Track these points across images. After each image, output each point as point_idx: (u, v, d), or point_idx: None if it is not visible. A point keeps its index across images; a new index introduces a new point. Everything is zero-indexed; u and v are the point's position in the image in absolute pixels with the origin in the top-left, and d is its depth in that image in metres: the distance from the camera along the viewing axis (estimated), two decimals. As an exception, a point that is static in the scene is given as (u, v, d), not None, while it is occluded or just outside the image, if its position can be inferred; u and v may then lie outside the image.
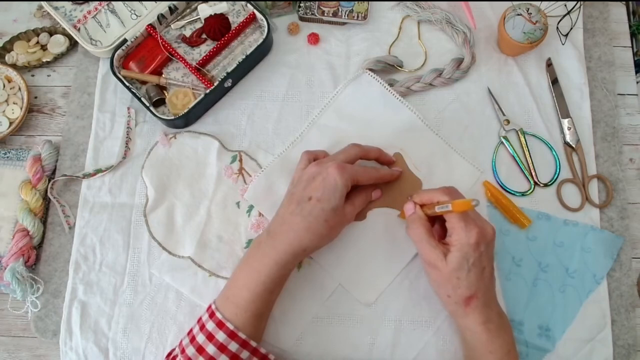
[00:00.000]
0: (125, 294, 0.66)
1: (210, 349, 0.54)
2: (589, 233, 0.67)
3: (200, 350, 0.54)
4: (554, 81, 0.72)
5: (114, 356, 0.64)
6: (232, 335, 0.55)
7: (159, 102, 0.71)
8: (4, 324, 0.68)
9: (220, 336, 0.54)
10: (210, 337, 0.55)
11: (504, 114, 0.71)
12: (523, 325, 0.64)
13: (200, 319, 0.58)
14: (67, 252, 0.68)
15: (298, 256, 0.58)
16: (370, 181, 0.62)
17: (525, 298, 0.65)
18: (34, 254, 0.67)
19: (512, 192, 0.68)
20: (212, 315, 0.56)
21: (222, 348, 0.54)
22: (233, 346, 0.54)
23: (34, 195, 0.67)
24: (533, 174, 0.69)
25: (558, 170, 0.69)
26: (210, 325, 0.55)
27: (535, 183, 0.69)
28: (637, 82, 0.75)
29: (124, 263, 0.67)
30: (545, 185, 0.69)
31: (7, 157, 0.72)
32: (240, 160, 0.71)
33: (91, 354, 0.64)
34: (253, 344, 0.55)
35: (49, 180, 0.69)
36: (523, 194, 0.68)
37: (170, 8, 0.73)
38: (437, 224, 0.60)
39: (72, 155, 0.72)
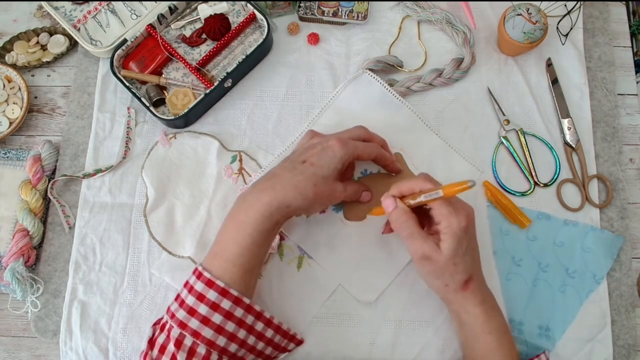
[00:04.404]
0: (125, 294, 0.66)
1: (202, 309, 0.53)
2: (589, 233, 0.67)
3: (191, 312, 0.53)
4: (554, 81, 0.72)
5: (114, 356, 0.64)
6: (223, 292, 0.53)
7: (159, 102, 0.71)
8: (4, 324, 0.68)
9: (212, 295, 0.53)
10: (200, 297, 0.53)
11: (504, 114, 0.71)
12: (523, 325, 0.64)
13: (187, 282, 0.56)
14: (67, 252, 0.68)
15: (282, 211, 0.56)
16: (371, 157, 0.62)
17: (525, 298, 0.65)
18: (34, 254, 0.67)
19: (512, 192, 0.68)
20: (199, 276, 0.55)
21: (214, 307, 0.53)
22: (226, 304, 0.53)
23: (34, 195, 0.67)
24: (533, 174, 0.69)
25: (558, 170, 0.69)
26: (199, 286, 0.54)
27: (535, 183, 0.69)
28: (637, 82, 0.75)
29: (124, 263, 0.67)
30: (545, 185, 0.69)
31: (7, 157, 0.72)
32: (240, 160, 0.71)
33: (91, 354, 0.64)
34: (246, 300, 0.54)
35: (49, 180, 0.69)
36: (523, 194, 0.68)
37: (170, 8, 0.73)
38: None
39: (72, 155, 0.72)
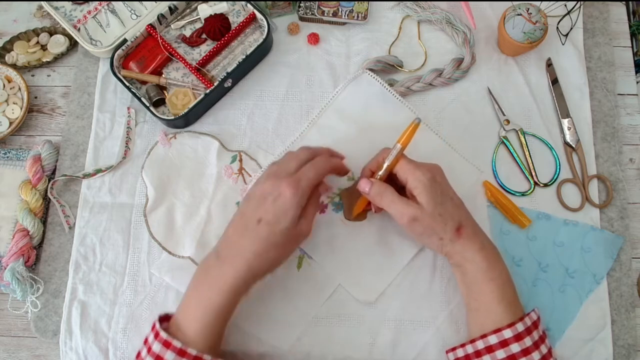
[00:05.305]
0: (125, 294, 0.66)
1: None
2: (589, 233, 0.67)
3: None
4: (554, 81, 0.72)
5: (114, 356, 0.64)
6: (181, 353, 0.51)
7: (159, 102, 0.71)
8: (4, 324, 0.68)
9: (169, 356, 0.51)
10: (158, 359, 0.51)
11: (504, 114, 0.71)
12: (523, 325, 0.64)
13: (146, 340, 0.54)
14: (67, 252, 0.68)
15: (249, 282, 0.55)
16: (325, 174, 0.59)
17: (526, 298, 0.65)
18: (34, 254, 0.67)
19: (512, 192, 0.68)
20: (156, 335, 0.52)
21: None
22: None
23: (34, 195, 0.67)
24: (533, 174, 0.69)
25: (558, 170, 0.69)
26: (156, 347, 0.51)
27: (535, 183, 0.69)
28: (637, 82, 0.75)
29: (124, 263, 0.67)
30: (545, 185, 0.69)
31: (7, 157, 0.72)
32: (240, 160, 0.71)
33: (91, 354, 0.64)
34: (207, 357, 0.52)
35: (49, 180, 0.69)
36: (523, 194, 0.68)
37: (170, 8, 0.73)
38: None
39: (72, 155, 0.72)
